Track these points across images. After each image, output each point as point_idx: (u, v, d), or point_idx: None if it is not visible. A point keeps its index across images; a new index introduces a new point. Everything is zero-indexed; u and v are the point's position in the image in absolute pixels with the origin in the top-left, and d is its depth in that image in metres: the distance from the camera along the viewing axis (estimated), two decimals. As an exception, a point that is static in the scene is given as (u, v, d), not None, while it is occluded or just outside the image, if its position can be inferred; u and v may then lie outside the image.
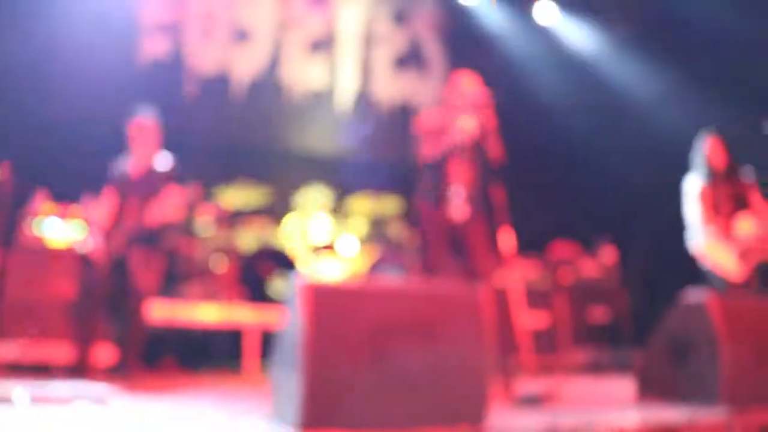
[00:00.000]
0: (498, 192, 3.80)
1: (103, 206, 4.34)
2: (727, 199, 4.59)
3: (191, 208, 5.01)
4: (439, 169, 3.87)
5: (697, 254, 4.66)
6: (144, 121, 4.37)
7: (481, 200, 3.87)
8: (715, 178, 4.61)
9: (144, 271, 4.22)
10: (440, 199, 3.85)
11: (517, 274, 3.75)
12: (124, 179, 4.34)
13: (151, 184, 4.28)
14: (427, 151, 3.91)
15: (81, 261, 4.27)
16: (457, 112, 3.94)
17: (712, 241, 4.54)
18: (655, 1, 7.08)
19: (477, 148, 3.89)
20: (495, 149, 3.80)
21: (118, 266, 4.18)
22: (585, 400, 3.84)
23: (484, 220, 3.86)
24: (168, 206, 4.18)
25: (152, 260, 4.30)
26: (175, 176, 4.37)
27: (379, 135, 6.87)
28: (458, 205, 3.82)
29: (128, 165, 4.37)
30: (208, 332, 5.32)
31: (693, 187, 4.68)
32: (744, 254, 4.48)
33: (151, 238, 4.28)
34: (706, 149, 4.68)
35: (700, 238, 4.59)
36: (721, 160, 4.65)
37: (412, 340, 2.63)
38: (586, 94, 7.21)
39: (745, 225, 4.51)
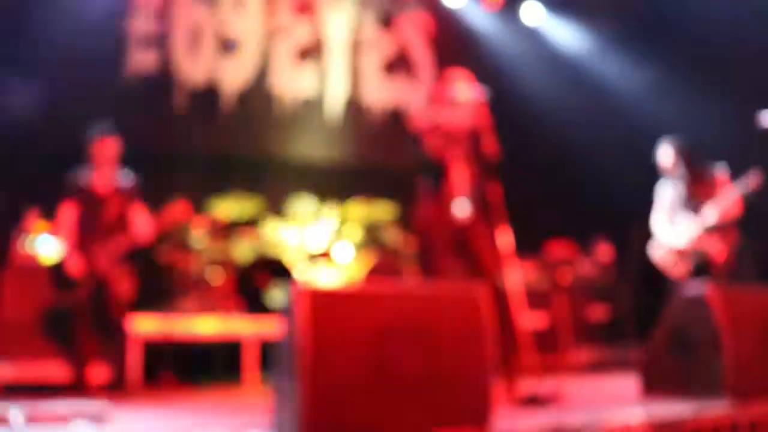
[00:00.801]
0: (495, 190, 3.77)
1: (65, 219, 4.37)
2: (695, 200, 4.86)
3: (183, 224, 5.05)
4: (439, 169, 3.84)
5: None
6: (106, 138, 4.45)
7: (480, 200, 3.84)
8: (681, 183, 4.91)
9: (123, 285, 4.28)
10: (442, 199, 3.82)
11: (516, 275, 3.71)
12: (88, 194, 4.39)
13: (116, 199, 4.40)
14: (428, 148, 3.88)
15: (54, 276, 4.27)
16: (450, 110, 3.92)
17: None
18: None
19: (472, 145, 3.87)
20: (490, 147, 3.78)
21: (99, 283, 4.21)
22: (589, 399, 3.81)
23: (485, 220, 3.83)
24: (144, 226, 4.33)
25: (129, 275, 4.37)
26: (138, 193, 4.48)
27: (371, 140, 6.86)
28: (461, 206, 3.78)
29: (91, 180, 4.42)
30: (207, 345, 5.28)
31: (664, 192, 4.99)
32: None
33: (130, 255, 4.37)
34: (664, 157, 4.98)
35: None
36: (674, 167, 4.93)
37: (411, 344, 2.60)
38: (579, 93, 7.21)
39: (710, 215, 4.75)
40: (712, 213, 4.75)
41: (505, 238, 3.73)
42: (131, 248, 4.37)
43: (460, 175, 3.84)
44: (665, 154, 5.00)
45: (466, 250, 3.79)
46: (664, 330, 3.61)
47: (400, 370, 2.55)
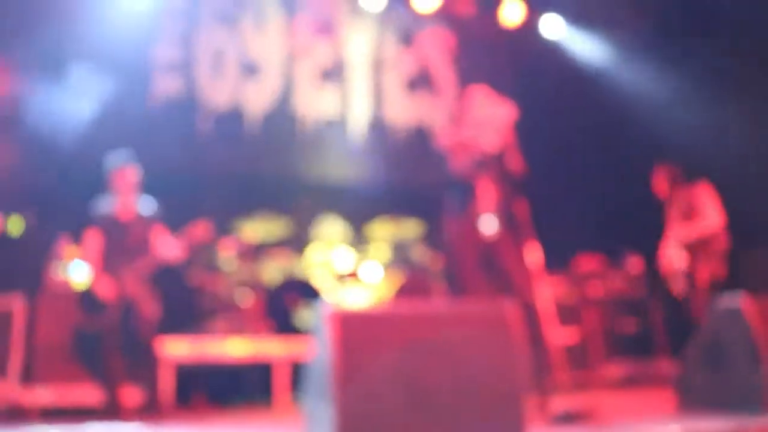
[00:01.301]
0: (522, 207, 3.76)
1: (90, 246, 4.47)
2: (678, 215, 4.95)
3: (205, 244, 5.10)
4: (466, 186, 3.84)
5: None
6: (126, 167, 4.55)
7: (507, 216, 3.83)
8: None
9: (150, 307, 4.35)
10: (470, 216, 3.81)
11: (545, 290, 3.68)
12: (111, 221, 4.50)
13: (139, 226, 4.50)
14: (455, 165, 3.88)
15: (84, 301, 4.34)
16: (476, 128, 3.93)
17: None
18: (660, 6, 7.06)
19: (498, 162, 3.87)
20: (515, 163, 3.78)
21: (126, 306, 4.28)
22: (623, 415, 3.75)
23: (513, 237, 3.82)
24: (168, 247, 4.41)
25: (155, 296, 4.43)
26: (159, 218, 4.57)
27: (395, 159, 6.87)
28: (488, 223, 3.77)
29: (113, 209, 4.53)
30: (237, 367, 5.29)
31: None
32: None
33: (153, 277, 4.44)
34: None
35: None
36: (663, 190, 5.04)
37: (442, 363, 2.59)
38: (603, 105, 7.16)
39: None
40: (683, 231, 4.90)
41: (533, 255, 3.71)
42: (156, 269, 4.43)
43: (486, 192, 3.83)
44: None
45: (494, 267, 3.77)
46: (698, 344, 3.55)
47: (431, 389, 2.54)
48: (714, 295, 4.57)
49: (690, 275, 4.86)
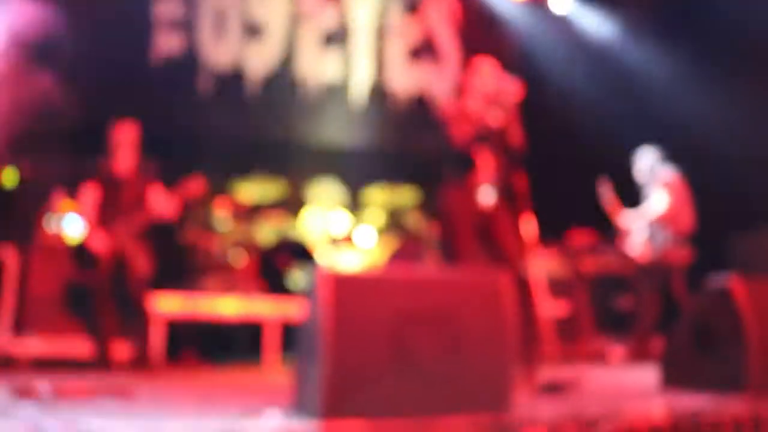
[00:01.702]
0: (521, 180, 3.76)
1: (86, 200, 4.47)
2: None
3: (201, 203, 5.10)
4: (465, 156, 3.83)
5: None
6: (125, 123, 4.53)
7: (505, 188, 3.84)
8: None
9: (142, 263, 4.36)
10: (468, 187, 3.82)
11: (538, 263, 3.70)
12: (108, 176, 4.49)
13: (136, 183, 4.49)
14: (455, 136, 3.88)
15: (77, 254, 4.35)
16: (479, 100, 3.91)
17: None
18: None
19: (500, 135, 3.86)
20: (516, 137, 3.77)
21: (118, 260, 4.29)
22: (609, 389, 3.80)
23: (509, 208, 3.83)
24: (163, 204, 4.40)
25: (148, 252, 4.44)
26: (156, 176, 4.56)
27: (395, 126, 6.85)
28: (486, 193, 3.78)
29: (113, 166, 4.51)
30: (228, 325, 5.33)
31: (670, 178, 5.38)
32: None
33: (146, 233, 4.45)
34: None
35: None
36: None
37: (432, 329, 2.61)
38: (605, 81, 7.12)
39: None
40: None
41: (529, 227, 3.72)
42: (149, 225, 4.44)
43: (485, 163, 3.83)
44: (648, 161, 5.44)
45: (489, 237, 3.79)
46: (686, 322, 3.58)
47: (420, 354, 2.57)
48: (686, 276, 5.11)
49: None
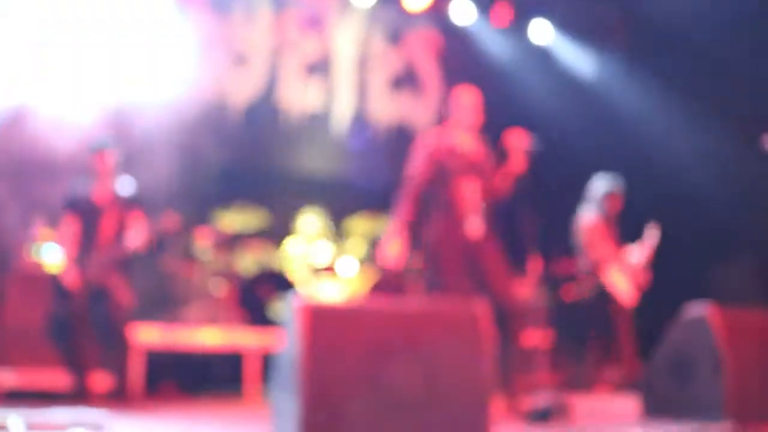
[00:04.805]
0: (527, 215, 3.81)
1: (65, 231, 4.42)
2: (613, 236, 5.43)
3: (175, 236, 5.08)
4: (444, 189, 3.86)
5: (585, 276, 5.45)
6: (104, 149, 4.51)
7: (491, 218, 3.87)
8: (607, 219, 5.42)
9: (122, 295, 4.30)
10: (454, 217, 3.84)
11: (524, 292, 3.73)
12: (87, 204, 4.45)
13: (115, 209, 4.45)
14: (439, 165, 3.91)
15: (54, 287, 4.30)
16: (461, 129, 3.96)
17: (611, 266, 5.30)
18: (645, 20, 7.12)
19: (483, 165, 3.91)
20: (514, 166, 3.84)
21: (97, 292, 4.25)
22: (590, 417, 3.79)
23: (495, 239, 3.85)
24: (137, 233, 4.36)
25: (127, 284, 4.38)
26: (137, 201, 4.52)
27: (376, 155, 6.87)
28: (472, 224, 3.80)
29: (91, 191, 4.48)
30: (208, 356, 5.29)
31: (589, 220, 5.41)
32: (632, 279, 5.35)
33: (126, 263, 4.41)
34: (610, 195, 5.42)
35: (594, 264, 5.35)
36: (616, 209, 5.44)
37: (410, 360, 2.60)
38: (586, 113, 7.21)
39: (635, 255, 5.38)
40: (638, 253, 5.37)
41: (533, 264, 3.75)
42: (124, 257, 4.38)
43: (471, 193, 3.86)
44: (607, 194, 5.44)
45: (475, 268, 3.79)
46: (664, 351, 3.60)
47: (397, 387, 2.56)
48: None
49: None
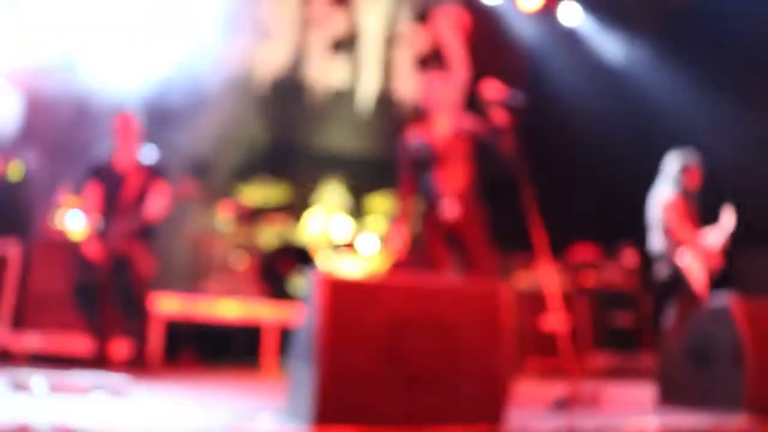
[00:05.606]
0: (528, 193, 3.76)
1: (88, 198, 4.42)
2: (692, 215, 5.02)
3: (187, 201, 5.04)
4: (428, 168, 3.86)
5: (661, 257, 5.01)
6: (128, 116, 4.46)
7: (477, 199, 3.85)
8: (685, 195, 5.02)
9: (144, 264, 4.32)
10: (434, 199, 3.84)
11: (546, 276, 3.69)
12: (109, 171, 4.42)
13: (138, 177, 4.39)
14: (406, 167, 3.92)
15: (77, 255, 4.31)
16: (439, 113, 3.94)
17: (686, 248, 4.90)
18: (679, 4, 7.00)
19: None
20: (507, 146, 3.76)
21: (119, 261, 4.26)
22: (605, 405, 3.78)
23: (480, 219, 3.83)
24: (158, 203, 4.30)
25: (149, 254, 4.38)
26: (160, 170, 4.46)
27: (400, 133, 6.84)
28: (449, 206, 3.79)
29: (113, 159, 4.45)
30: (227, 328, 5.34)
31: (666, 196, 5.02)
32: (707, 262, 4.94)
33: (147, 233, 4.38)
34: (687, 169, 5.04)
35: (673, 245, 4.94)
36: (694, 185, 5.05)
37: (428, 337, 2.61)
38: (609, 96, 7.13)
39: (711, 237, 4.96)
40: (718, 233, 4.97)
41: (539, 240, 3.71)
42: (144, 225, 4.35)
43: (453, 173, 3.84)
44: (686, 166, 5.08)
45: (458, 246, 3.81)
46: (684, 340, 3.57)
47: (415, 362, 2.57)
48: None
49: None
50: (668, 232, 4.94)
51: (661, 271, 5.00)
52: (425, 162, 3.87)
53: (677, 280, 4.90)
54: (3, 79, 5.08)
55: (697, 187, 5.05)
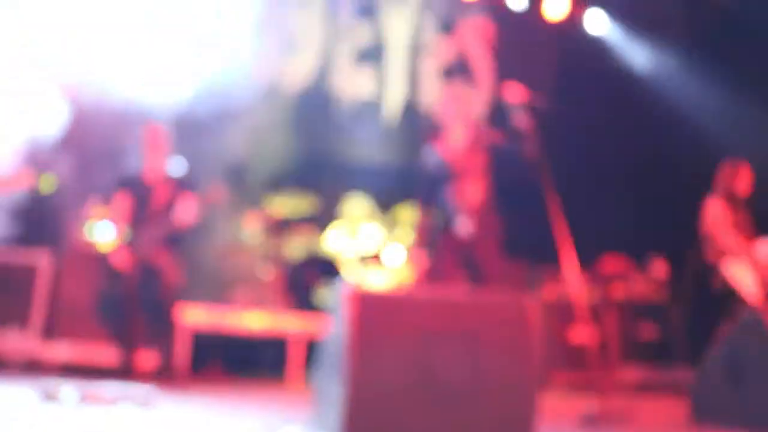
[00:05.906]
0: (553, 199, 3.71)
1: (117, 209, 4.46)
2: (745, 224, 4.82)
3: (218, 206, 5.05)
4: (443, 184, 3.85)
5: (716, 269, 4.81)
6: (157, 128, 4.50)
7: (492, 213, 3.83)
8: (735, 203, 4.83)
9: (171, 274, 4.33)
10: (447, 215, 3.83)
11: (575, 288, 3.64)
12: (138, 183, 4.46)
13: (166, 188, 4.43)
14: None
15: (105, 266, 4.36)
16: (455, 128, 3.92)
17: (738, 261, 4.69)
18: (706, 13, 6.91)
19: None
20: (529, 151, 3.72)
21: (147, 271, 4.28)
22: (636, 421, 3.71)
23: (494, 234, 3.81)
24: (186, 211, 4.31)
25: (177, 264, 4.40)
26: (188, 182, 4.49)
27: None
28: (463, 224, 3.77)
29: (142, 170, 4.49)
30: (253, 339, 5.34)
31: (714, 206, 4.84)
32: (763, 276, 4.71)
33: (175, 242, 4.40)
34: (734, 175, 4.90)
35: (718, 254, 4.77)
36: (745, 189, 4.88)
37: (457, 350, 2.58)
38: (638, 106, 7.05)
39: (764, 248, 4.72)
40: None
41: (567, 253, 3.67)
42: (173, 234, 4.38)
43: (470, 188, 3.82)
44: (733, 172, 4.93)
45: (471, 265, 3.79)
46: (718, 355, 3.50)
47: (444, 376, 2.54)
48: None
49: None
50: (714, 240, 4.78)
51: (712, 284, 4.83)
52: (441, 178, 3.87)
53: (726, 293, 4.70)
54: (54, 90, 5.15)
55: (748, 194, 4.89)
